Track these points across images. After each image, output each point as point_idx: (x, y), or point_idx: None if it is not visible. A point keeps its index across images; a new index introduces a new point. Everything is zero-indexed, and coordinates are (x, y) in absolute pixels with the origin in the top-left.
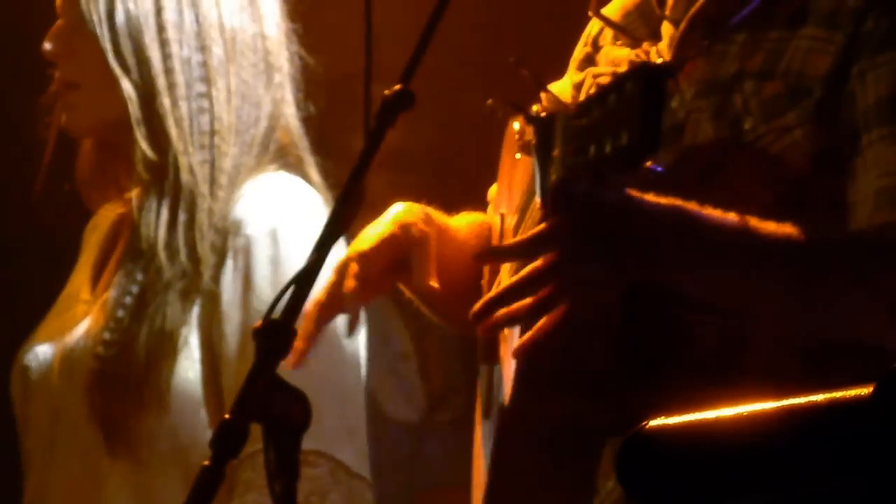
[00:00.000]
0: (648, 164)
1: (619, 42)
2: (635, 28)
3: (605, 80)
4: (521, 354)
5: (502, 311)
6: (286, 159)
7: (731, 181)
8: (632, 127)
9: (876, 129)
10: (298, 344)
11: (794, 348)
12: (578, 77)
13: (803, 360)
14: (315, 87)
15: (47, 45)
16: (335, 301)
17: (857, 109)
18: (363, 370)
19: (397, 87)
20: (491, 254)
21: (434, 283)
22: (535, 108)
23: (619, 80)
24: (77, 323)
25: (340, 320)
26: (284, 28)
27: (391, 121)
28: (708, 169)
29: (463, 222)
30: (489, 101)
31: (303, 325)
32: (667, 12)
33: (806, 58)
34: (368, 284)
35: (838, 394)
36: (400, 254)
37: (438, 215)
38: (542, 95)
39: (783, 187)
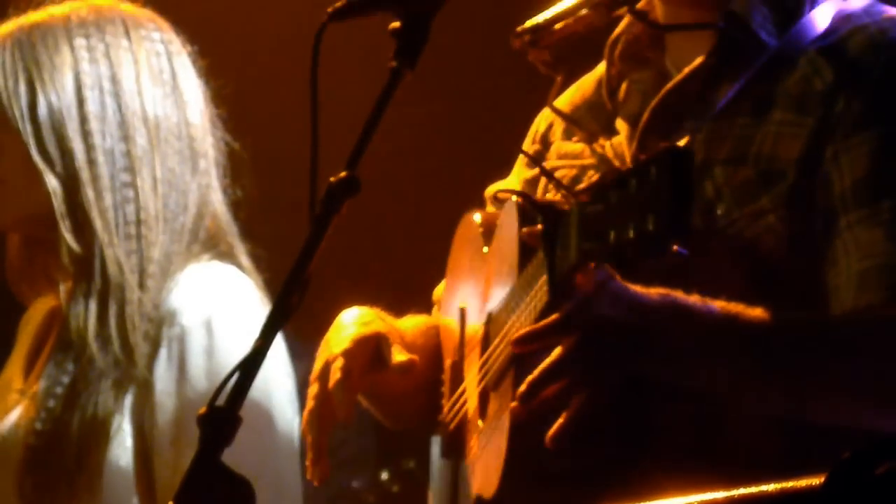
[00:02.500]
0: (675, 247)
1: (574, 138)
2: (587, 122)
3: (565, 172)
4: (554, 441)
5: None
6: (218, 248)
7: (706, 266)
8: (659, 211)
9: (854, 212)
10: (318, 462)
11: (777, 432)
12: (529, 173)
13: (786, 444)
14: (242, 171)
15: None
16: (325, 406)
17: (834, 192)
18: (298, 459)
19: (343, 173)
20: (527, 339)
21: (413, 357)
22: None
23: (641, 165)
24: (8, 412)
25: (282, 405)
26: (209, 114)
27: (337, 207)
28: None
29: (409, 324)
30: (504, 193)
31: (309, 442)
32: (619, 108)
33: (777, 142)
34: (352, 378)
35: (790, 483)
36: (370, 351)
37: (387, 316)
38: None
39: (758, 271)
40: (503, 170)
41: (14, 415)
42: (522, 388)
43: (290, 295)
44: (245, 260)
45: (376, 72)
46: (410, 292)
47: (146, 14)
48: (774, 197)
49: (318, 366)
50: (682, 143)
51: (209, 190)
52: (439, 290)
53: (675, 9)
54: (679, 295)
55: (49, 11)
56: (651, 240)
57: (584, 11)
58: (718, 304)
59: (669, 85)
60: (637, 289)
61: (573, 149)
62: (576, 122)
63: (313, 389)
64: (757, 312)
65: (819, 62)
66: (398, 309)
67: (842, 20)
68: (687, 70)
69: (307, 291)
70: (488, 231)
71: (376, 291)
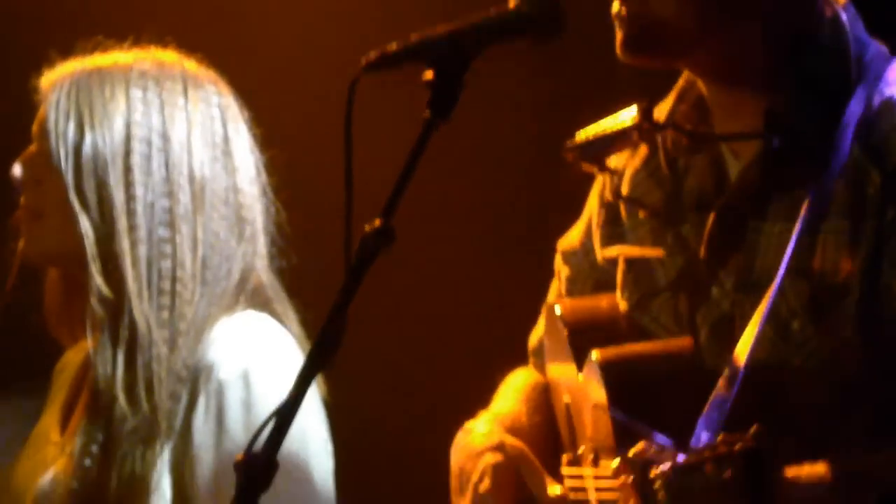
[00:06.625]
0: None
1: (641, 214)
2: (648, 192)
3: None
4: None
5: None
6: (256, 298)
7: (791, 401)
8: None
9: None
10: None
11: None
12: (610, 252)
13: None
14: (289, 241)
15: (17, 170)
16: None
17: None
18: None
19: (377, 223)
20: None
21: (558, 489)
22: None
23: (727, 456)
24: (47, 467)
25: (318, 454)
26: (259, 182)
27: (371, 258)
28: (769, 391)
29: (520, 397)
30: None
31: None
32: (681, 181)
33: (837, 254)
34: None
35: None
36: (511, 481)
37: (500, 421)
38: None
39: (838, 386)
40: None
41: (52, 472)
42: None
43: (324, 344)
44: (280, 307)
45: (413, 122)
46: (442, 339)
47: (208, 75)
48: (843, 313)
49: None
50: (752, 433)
51: (255, 257)
52: (534, 339)
53: (717, 87)
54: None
55: (114, 58)
56: None
57: (629, 127)
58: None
59: (727, 196)
60: None
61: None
62: (641, 205)
63: None
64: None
65: (866, 164)
66: (431, 359)
67: (885, 107)
68: (742, 170)
69: (342, 341)
70: (578, 341)
71: (410, 336)
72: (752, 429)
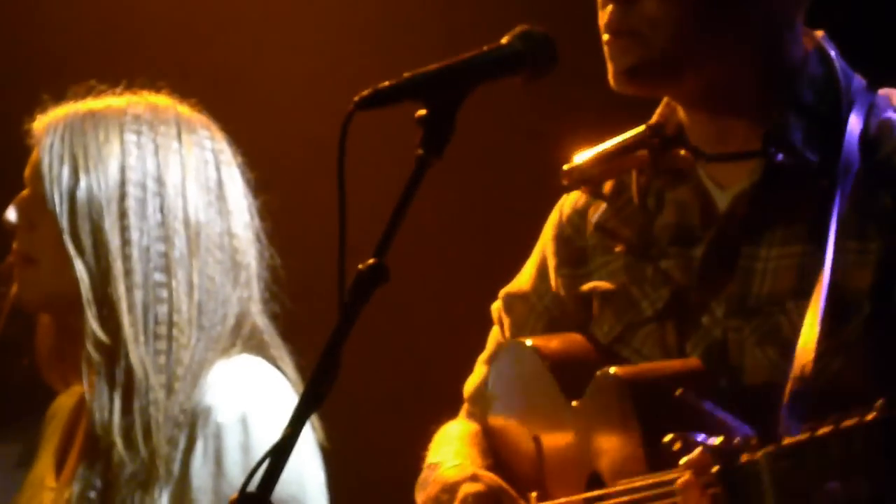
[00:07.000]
0: None
1: (617, 248)
2: (618, 227)
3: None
4: None
5: None
6: (251, 342)
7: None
8: (874, 475)
9: None
10: None
11: None
12: (587, 287)
13: None
14: (283, 286)
15: (10, 214)
16: None
17: None
18: None
19: (371, 261)
20: None
21: None
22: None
23: (847, 430)
24: None
25: (315, 495)
26: (253, 227)
27: (365, 296)
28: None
29: (462, 447)
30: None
31: None
32: (654, 216)
33: (844, 271)
34: None
35: None
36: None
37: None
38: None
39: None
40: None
41: None
42: None
43: (319, 384)
44: (276, 351)
45: (406, 159)
46: (435, 379)
47: (201, 120)
48: (853, 330)
49: None
50: (878, 406)
51: (250, 302)
52: (471, 388)
53: (704, 116)
54: None
55: (107, 102)
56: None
57: (635, 142)
58: None
59: (725, 213)
60: None
61: (617, 265)
62: (615, 235)
63: None
64: None
65: (872, 184)
66: (421, 392)
67: (885, 128)
68: (733, 198)
69: (336, 380)
70: (561, 372)
71: (404, 378)
72: (879, 401)
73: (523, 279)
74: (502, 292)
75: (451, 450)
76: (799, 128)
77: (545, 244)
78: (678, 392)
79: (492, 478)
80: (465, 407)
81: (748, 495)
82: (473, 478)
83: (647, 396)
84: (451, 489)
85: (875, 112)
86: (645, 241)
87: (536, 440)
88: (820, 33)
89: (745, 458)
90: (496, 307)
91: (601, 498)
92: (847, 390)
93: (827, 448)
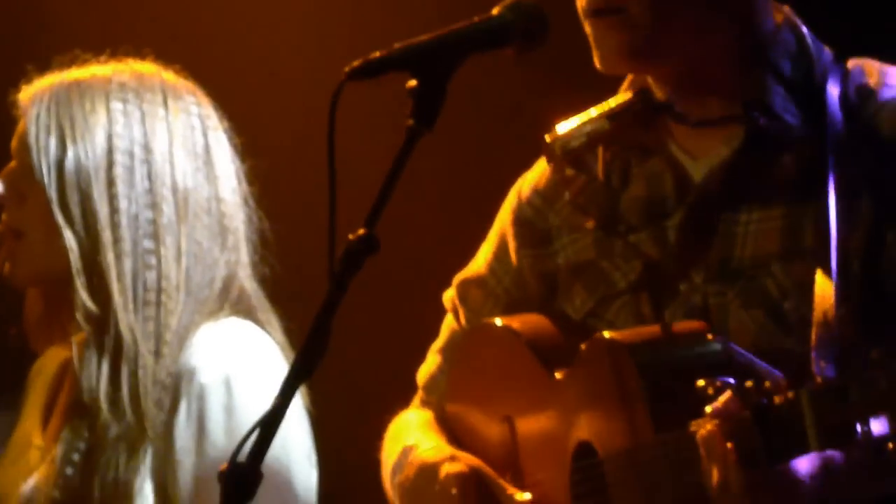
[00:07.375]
0: None
1: (588, 224)
2: (588, 205)
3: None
4: None
5: None
6: (239, 306)
7: None
8: None
9: None
10: None
11: None
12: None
13: None
14: (272, 250)
15: None
16: None
17: None
18: None
19: (361, 231)
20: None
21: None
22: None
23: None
24: (30, 472)
25: (300, 462)
26: (241, 191)
27: (355, 267)
28: None
29: (427, 432)
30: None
31: None
32: (620, 191)
33: (841, 231)
34: None
35: None
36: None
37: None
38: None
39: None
40: None
41: (34, 479)
42: None
43: (308, 353)
44: (264, 315)
45: (397, 129)
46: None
47: (187, 86)
48: (842, 287)
49: None
50: None
51: (237, 266)
52: (425, 376)
53: (683, 92)
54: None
55: (92, 71)
56: None
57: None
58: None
59: (702, 181)
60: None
61: (585, 241)
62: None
63: None
64: None
65: (856, 146)
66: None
67: (863, 93)
68: (717, 164)
69: (326, 349)
70: (538, 347)
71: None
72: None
73: (479, 263)
74: (456, 279)
75: (421, 434)
76: (778, 94)
77: (503, 226)
78: (710, 336)
79: (471, 458)
80: (420, 395)
81: (788, 434)
82: (453, 458)
83: (647, 355)
84: (430, 469)
85: (851, 79)
86: (611, 218)
87: (509, 420)
88: (786, 7)
89: (778, 399)
90: (449, 295)
91: (598, 465)
92: (847, 342)
93: (875, 383)
